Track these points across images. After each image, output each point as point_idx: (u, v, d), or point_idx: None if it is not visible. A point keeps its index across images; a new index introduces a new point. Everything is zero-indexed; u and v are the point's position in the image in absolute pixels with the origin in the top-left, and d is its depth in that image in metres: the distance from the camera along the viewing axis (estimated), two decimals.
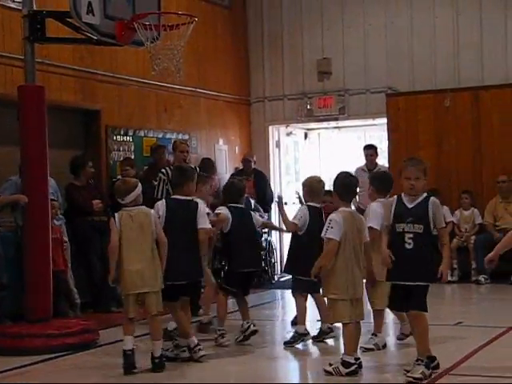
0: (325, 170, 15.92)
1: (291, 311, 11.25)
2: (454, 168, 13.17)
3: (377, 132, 15.04)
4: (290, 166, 15.70)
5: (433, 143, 13.39)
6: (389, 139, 13.86)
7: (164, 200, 7.58)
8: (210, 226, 7.60)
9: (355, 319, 6.71)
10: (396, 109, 13.77)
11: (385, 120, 13.91)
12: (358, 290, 6.74)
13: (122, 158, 11.73)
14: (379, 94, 14.21)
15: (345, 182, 6.97)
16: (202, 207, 7.61)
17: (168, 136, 12.91)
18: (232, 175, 13.95)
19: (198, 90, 13.77)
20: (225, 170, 14.38)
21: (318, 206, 8.21)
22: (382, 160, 14.07)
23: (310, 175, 9.07)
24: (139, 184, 7.20)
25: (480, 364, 6.96)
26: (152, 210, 7.12)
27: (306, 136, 15.96)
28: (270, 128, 15.33)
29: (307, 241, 8.00)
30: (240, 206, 8.35)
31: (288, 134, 15.59)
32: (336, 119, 15.05)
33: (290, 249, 8.35)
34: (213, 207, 11.39)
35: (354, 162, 14.67)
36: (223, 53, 14.65)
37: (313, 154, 16.00)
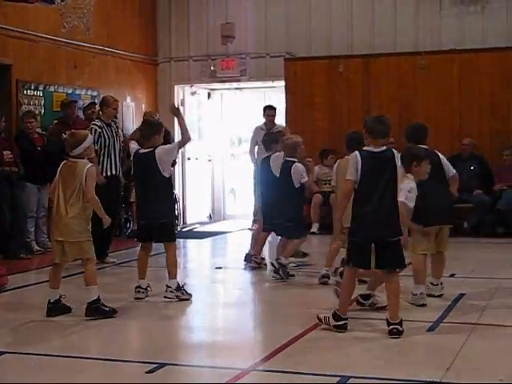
0: (226, 128, 15.93)
1: (193, 259, 11.34)
2: (346, 129, 13.17)
3: (275, 94, 15.05)
4: (193, 124, 15.60)
5: (327, 106, 13.52)
6: (286, 101, 13.91)
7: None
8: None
9: None
10: (293, 73, 13.82)
11: (283, 83, 13.94)
12: None
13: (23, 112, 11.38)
14: (278, 58, 14.22)
15: None
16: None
17: (78, 92, 12.66)
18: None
19: (107, 48, 13.50)
20: (131, 126, 14.20)
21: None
22: (280, 120, 14.14)
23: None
24: (89, 136, 6.98)
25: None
26: (90, 165, 6.80)
27: (209, 96, 15.87)
28: (176, 87, 15.20)
29: None
30: None
31: (192, 94, 15.49)
32: (238, 81, 15.02)
33: None
34: None
35: (254, 122, 14.70)
36: (131, 14, 14.38)
37: (215, 113, 15.93)
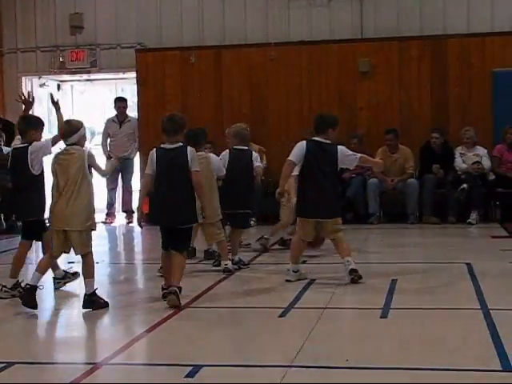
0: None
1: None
2: (198, 120, 13.33)
3: (128, 85, 14.95)
4: (44, 117, 15.20)
5: (179, 97, 13.56)
6: (138, 93, 13.84)
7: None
8: None
9: None
10: (145, 64, 13.77)
11: (135, 74, 13.87)
12: None
13: None
14: (129, 49, 14.15)
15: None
16: None
17: None
18: None
19: None
20: None
21: None
22: (133, 112, 14.07)
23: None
24: (83, 126, 6.91)
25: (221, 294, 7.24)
26: (87, 151, 6.87)
27: (59, 88, 15.56)
28: (23, 79, 14.84)
29: None
30: None
31: (41, 86, 15.13)
32: (88, 72, 14.83)
33: None
34: None
35: (106, 114, 14.57)
36: None
37: (66, 105, 15.61)
